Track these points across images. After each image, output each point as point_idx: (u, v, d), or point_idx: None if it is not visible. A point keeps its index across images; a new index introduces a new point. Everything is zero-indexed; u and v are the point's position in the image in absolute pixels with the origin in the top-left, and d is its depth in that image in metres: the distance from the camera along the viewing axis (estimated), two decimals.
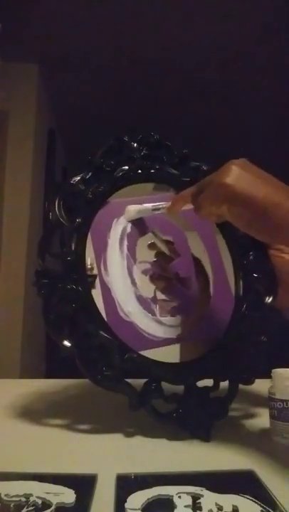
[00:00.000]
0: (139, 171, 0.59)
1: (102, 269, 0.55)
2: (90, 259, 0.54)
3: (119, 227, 0.58)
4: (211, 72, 2.47)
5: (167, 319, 0.58)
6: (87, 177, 0.56)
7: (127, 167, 0.58)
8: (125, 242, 0.58)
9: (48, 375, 2.44)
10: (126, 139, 0.59)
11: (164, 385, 0.53)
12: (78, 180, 0.55)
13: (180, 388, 0.53)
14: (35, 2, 1.93)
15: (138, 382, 0.52)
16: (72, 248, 0.53)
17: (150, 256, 0.61)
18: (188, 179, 0.61)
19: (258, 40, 2.18)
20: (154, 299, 0.58)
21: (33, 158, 2.35)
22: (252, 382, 0.56)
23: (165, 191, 0.63)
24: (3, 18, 1.85)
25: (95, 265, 0.56)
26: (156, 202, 0.60)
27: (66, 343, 0.50)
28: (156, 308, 0.58)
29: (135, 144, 0.59)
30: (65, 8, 1.98)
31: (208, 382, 0.55)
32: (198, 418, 0.51)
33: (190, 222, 0.62)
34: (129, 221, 0.59)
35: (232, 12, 2.01)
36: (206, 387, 0.54)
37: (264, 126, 2.99)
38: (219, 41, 2.21)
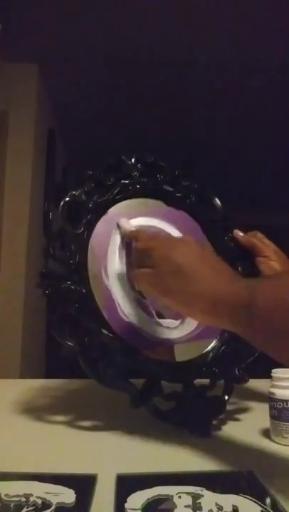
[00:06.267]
0: (138, 186, 0.64)
1: (103, 273, 0.58)
2: None
3: (118, 236, 0.61)
4: (212, 72, 2.46)
5: (165, 321, 0.60)
6: (88, 190, 0.60)
7: (125, 181, 0.63)
8: (124, 250, 0.60)
9: (48, 375, 2.44)
10: (124, 158, 0.64)
11: (163, 383, 0.54)
12: (80, 192, 0.59)
13: (179, 387, 0.54)
14: (35, 2, 1.93)
15: (137, 381, 0.53)
16: (75, 253, 0.56)
17: None
18: (180, 195, 0.67)
19: (260, 44, 2.19)
20: (153, 303, 0.59)
21: (33, 158, 2.35)
22: (246, 381, 0.58)
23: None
24: (3, 18, 1.85)
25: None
26: (150, 216, 0.64)
27: (69, 342, 0.53)
28: (155, 311, 0.60)
29: (132, 161, 0.64)
30: (65, 8, 1.98)
31: (205, 381, 0.56)
32: (196, 415, 0.53)
33: (184, 232, 0.66)
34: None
35: (234, 12, 2.01)
36: (203, 386, 0.55)
37: (264, 126, 2.99)
38: (220, 42, 2.21)
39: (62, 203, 0.58)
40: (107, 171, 0.62)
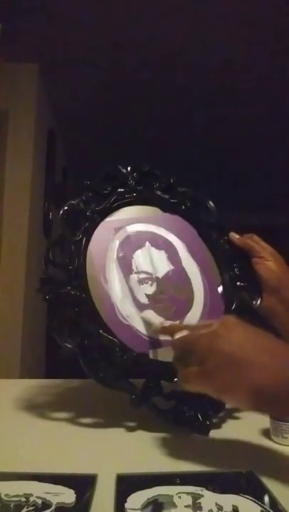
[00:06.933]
0: (134, 194, 0.66)
1: (102, 278, 0.59)
2: None
3: (116, 242, 0.63)
4: (212, 72, 2.47)
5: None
6: (86, 199, 0.62)
7: (121, 190, 0.65)
8: (122, 255, 0.62)
9: (48, 375, 2.44)
10: (120, 167, 0.66)
11: (163, 383, 0.54)
12: (78, 201, 0.62)
13: (179, 386, 0.54)
14: (35, 2, 1.93)
15: (137, 381, 0.53)
16: (74, 259, 0.58)
17: (146, 267, 0.64)
18: (175, 201, 0.69)
19: (260, 44, 2.19)
20: (150, 305, 0.61)
21: (33, 158, 2.35)
22: None
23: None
24: (3, 18, 1.85)
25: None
26: (147, 222, 0.66)
27: (70, 344, 0.54)
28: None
29: (128, 170, 0.66)
30: (65, 9, 1.98)
31: None
32: (196, 413, 0.53)
33: (181, 237, 0.67)
34: (125, 236, 0.64)
35: (236, 12, 2.01)
36: None
37: (263, 128, 3.00)
38: (220, 42, 2.21)
39: (61, 212, 0.60)
40: (104, 180, 0.65)
